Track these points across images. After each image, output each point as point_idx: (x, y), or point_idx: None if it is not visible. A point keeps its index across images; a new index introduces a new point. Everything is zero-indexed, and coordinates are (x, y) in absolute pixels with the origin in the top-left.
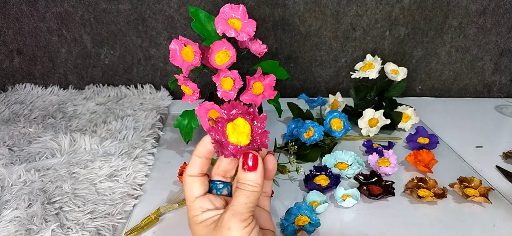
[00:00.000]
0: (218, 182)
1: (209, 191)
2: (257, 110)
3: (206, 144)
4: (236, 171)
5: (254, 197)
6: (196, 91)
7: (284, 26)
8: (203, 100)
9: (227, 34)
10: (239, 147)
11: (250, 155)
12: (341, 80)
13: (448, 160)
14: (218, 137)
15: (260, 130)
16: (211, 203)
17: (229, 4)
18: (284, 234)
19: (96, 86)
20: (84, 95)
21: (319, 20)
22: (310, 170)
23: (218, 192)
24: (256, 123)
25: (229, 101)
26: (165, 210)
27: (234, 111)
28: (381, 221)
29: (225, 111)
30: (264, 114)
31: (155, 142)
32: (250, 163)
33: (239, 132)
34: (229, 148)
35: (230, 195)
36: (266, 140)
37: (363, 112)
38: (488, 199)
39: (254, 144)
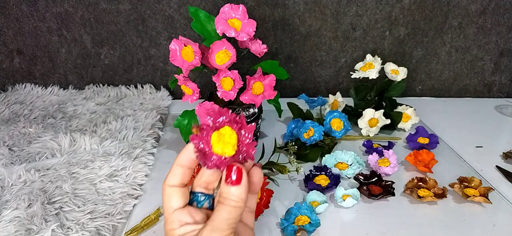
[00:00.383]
0: (199, 194)
1: (190, 203)
2: (245, 118)
3: (189, 153)
4: (219, 183)
5: (236, 213)
6: (196, 91)
7: (284, 26)
8: (203, 100)
9: (227, 34)
10: (223, 158)
11: (234, 168)
12: (341, 80)
13: (448, 160)
14: (201, 146)
15: (247, 140)
16: (191, 217)
17: (229, 4)
18: (284, 234)
19: (96, 86)
20: (84, 95)
21: (319, 20)
22: (310, 170)
23: (199, 205)
24: (243, 132)
25: (225, 104)
26: None
27: (221, 119)
28: (381, 221)
29: (212, 119)
30: (252, 124)
31: (155, 142)
32: (234, 177)
33: (224, 142)
34: (212, 159)
35: (211, 208)
36: (253, 152)
37: (363, 112)
38: (488, 199)
39: (240, 155)
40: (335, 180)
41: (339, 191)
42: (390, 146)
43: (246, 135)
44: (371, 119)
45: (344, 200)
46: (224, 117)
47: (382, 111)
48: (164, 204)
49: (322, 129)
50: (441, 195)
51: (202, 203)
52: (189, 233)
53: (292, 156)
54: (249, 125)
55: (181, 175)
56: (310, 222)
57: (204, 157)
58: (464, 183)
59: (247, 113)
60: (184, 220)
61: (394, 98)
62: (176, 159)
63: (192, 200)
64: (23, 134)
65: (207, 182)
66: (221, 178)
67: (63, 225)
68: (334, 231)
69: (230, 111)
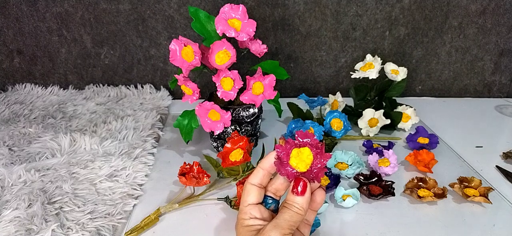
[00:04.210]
0: (269, 198)
1: (260, 203)
2: (324, 148)
3: (271, 159)
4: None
5: (297, 218)
6: (196, 91)
7: (284, 26)
8: (203, 100)
9: (227, 34)
10: (294, 171)
11: (301, 182)
12: (341, 80)
13: (448, 160)
14: (282, 155)
15: (319, 165)
16: (260, 213)
17: (229, 4)
18: None
19: (96, 86)
20: (84, 95)
21: (319, 20)
22: None
23: (267, 206)
24: (319, 158)
25: (225, 104)
26: (165, 210)
27: (306, 140)
28: (381, 221)
29: (299, 137)
30: (330, 153)
31: (155, 142)
32: (299, 189)
33: (300, 159)
34: (286, 169)
35: (276, 211)
36: (321, 177)
37: (363, 112)
38: (488, 199)
39: (310, 174)
40: (335, 180)
41: (339, 191)
42: (390, 146)
43: (321, 161)
44: (371, 119)
45: (344, 200)
46: (309, 140)
47: (382, 111)
48: (242, 197)
49: (322, 129)
50: (441, 195)
51: (269, 205)
52: (255, 226)
53: None
54: (326, 153)
55: (261, 176)
56: None
57: (280, 164)
58: (464, 183)
59: (247, 113)
60: (254, 214)
61: (394, 98)
62: (260, 162)
63: (262, 201)
64: (23, 134)
65: (276, 189)
66: (288, 189)
67: (63, 225)
68: (334, 231)
69: (315, 136)
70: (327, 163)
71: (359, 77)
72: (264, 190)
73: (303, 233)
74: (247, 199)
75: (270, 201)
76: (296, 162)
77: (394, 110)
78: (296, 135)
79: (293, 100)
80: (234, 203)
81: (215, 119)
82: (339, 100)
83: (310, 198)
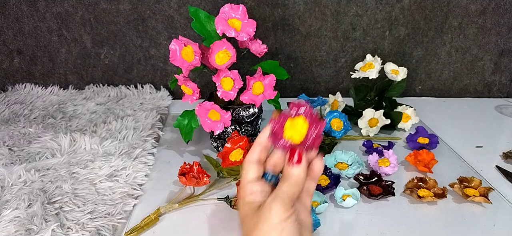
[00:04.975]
0: (268, 172)
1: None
2: (319, 116)
3: (266, 134)
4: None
5: (295, 188)
6: (196, 91)
7: (284, 26)
8: (203, 100)
9: (227, 34)
10: (289, 143)
11: (296, 152)
12: (341, 80)
13: (448, 160)
14: (276, 128)
15: (315, 133)
16: (260, 188)
17: (229, 4)
18: None
19: (96, 86)
20: (84, 95)
21: (319, 20)
22: None
23: (267, 180)
24: (314, 126)
25: (225, 104)
26: (165, 210)
27: (300, 110)
28: (381, 221)
29: (292, 108)
30: (324, 120)
31: (155, 142)
32: (295, 159)
33: (295, 130)
34: (280, 141)
35: (276, 185)
36: (318, 144)
37: (363, 112)
38: (488, 199)
39: (306, 144)
40: (335, 180)
41: (339, 191)
42: (390, 146)
43: (316, 129)
44: (371, 119)
45: (344, 200)
46: (303, 109)
47: (382, 111)
48: (242, 176)
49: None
50: (441, 195)
51: (270, 180)
52: (256, 201)
53: None
54: (321, 120)
55: (258, 152)
56: None
57: (275, 138)
58: (464, 183)
59: (247, 113)
60: (254, 190)
61: (394, 98)
62: (256, 138)
63: (263, 176)
64: (23, 134)
65: (274, 164)
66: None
67: (63, 225)
68: (334, 231)
69: (309, 104)
70: (328, 163)
71: (359, 77)
72: (263, 166)
73: (304, 202)
74: (246, 176)
75: (270, 176)
76: (291, 134)
77: (394, 110)
78: (290, 106)
79: (293, 100)
80: (234, 203)
81: (215, 119)
82: (339, 100)
83: (307, 167)
